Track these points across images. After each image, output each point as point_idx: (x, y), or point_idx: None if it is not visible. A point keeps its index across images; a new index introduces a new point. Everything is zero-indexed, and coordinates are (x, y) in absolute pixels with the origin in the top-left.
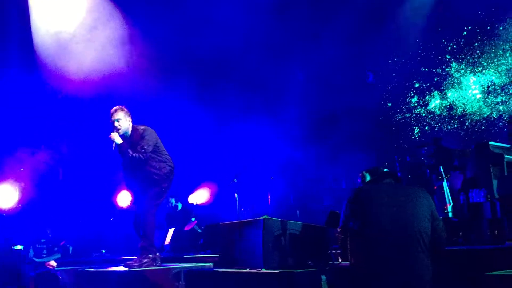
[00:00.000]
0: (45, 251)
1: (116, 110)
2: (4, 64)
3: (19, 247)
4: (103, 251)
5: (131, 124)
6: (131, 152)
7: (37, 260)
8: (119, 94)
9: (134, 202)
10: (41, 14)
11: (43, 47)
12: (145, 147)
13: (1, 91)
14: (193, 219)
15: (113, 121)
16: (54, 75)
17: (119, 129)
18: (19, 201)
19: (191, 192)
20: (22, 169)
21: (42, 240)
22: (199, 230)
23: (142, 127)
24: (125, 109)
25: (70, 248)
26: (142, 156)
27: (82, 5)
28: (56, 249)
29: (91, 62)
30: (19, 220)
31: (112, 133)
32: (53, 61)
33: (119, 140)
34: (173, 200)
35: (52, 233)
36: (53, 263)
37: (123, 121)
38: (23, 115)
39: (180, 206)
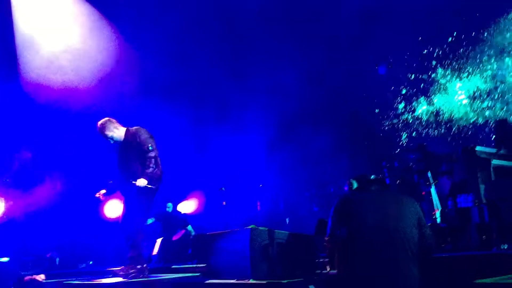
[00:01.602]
0: (30, 264)
1: (101, 131)
2: None
3: (4, 259)
4: (91, 262)
5: (122, 129)
6: (149, 174)
7: (22, 273)
8: (109, 103)
9: (124, 209)
10: (27, 25)
11: (30, 59)
12: (150, 146)
13: None
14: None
15: (107, 139)
16: (41, 87)
17: (113, 142)
18: (5, 213)
19: (179, 201)
20: (7, 179)
21: (29, 253)
22: (188, 239)
23: (134, 128)
24: (105, 123)
25: (57, 260)
26: (151, 164)
27: (70, 16)
28: (42, 261)
29: (83, 73)
30: (4, 232)
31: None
32: (41, 73)
33: (143, 183)
34: (170, 205)
35: (39, 244)
36: (40, 276)
37: (114, 132)
38: (9, 124)
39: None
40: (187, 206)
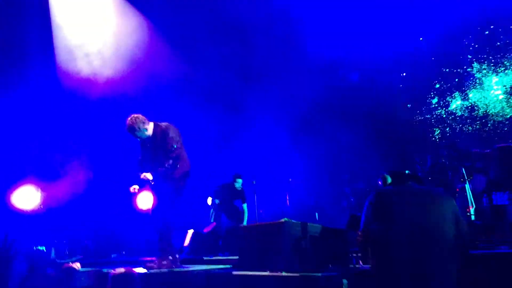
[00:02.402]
0: (67, 252)
1: (130, 130)
2: (26, 67)
3: (41, 247)
4: (124, 252)
5: (150, 126)
6: (166, 164)
7: (59, 261)
8: (140, 96)
9: (154, 202)
10: (64, 23)
11: (66, 55)
12: (171, 145)
13: (21, 94)
14: (212, 219)
15: (137, 138)
16: (75, 79)
17: (142, 138)
18: (41, 203)
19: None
20: (46, 170)
21: (65, 241)
22: (218, 232)
23: (164, 124)
24: (134, 122)
25: (91, 249)
26: (172, 160)
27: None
28: (77, 249)
29: (116, 68)
30: (41, 221)
31: (142, 175)
32: (76, 67)
33: (150, 177)
34: (240, 181)
35: (74, 233)
36: (76, 265)
37: (142, 133)
38: (45, 119)
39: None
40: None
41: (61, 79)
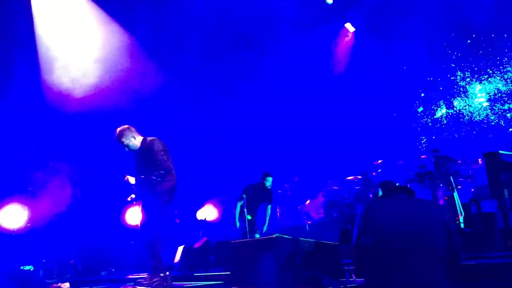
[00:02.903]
0: (55, 271)
1: (119, 137)
2: (11, 82)
3: (28, 267)
4: (113, 269)
5: (138, 138)
6: (154, 177)
7: (48, 281)
8: (128, 108)
9: (142, 217)
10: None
11: (49, 69)
12: (159, 158)
13: (8, 109)
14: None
15: (123, 146)
16: (59, 94)
17: (128, 150)
18: (28, 221)
19: (198, 208)
20: (30, 188)
21: (54, 261)
22: (209, 247)
23: (150, 139)
24: (124, 131)
25: (79, 267)
26: (159, 173)
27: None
28: (67, 268)
29: (98, 78)
30: (28, 240)
31: (126, 177)
32: (59, 82)
33: (133, 181)
34: (270, 179)
35: (62, 251)
36: (65, 285)
37: (130, 142)
38: (30, 134)
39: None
40: (207, 213)
41: (45, 95)
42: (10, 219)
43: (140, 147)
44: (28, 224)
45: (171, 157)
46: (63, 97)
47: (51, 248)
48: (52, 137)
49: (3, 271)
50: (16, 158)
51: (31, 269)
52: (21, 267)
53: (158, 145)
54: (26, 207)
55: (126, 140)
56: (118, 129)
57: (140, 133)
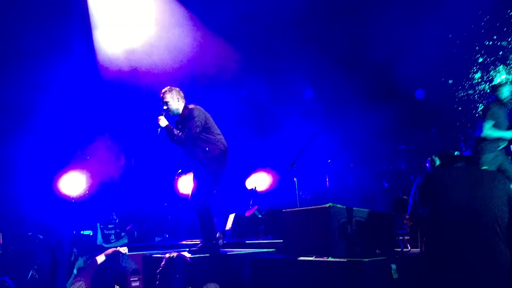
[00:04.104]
0: (113, 237)
1: (164, 93)
2: (67, 53)
3: (87, 232)
4: (167, 235)
5: (181, 104)
6: (176, 132)
7: (106, 245)
8: (185, 80)
9: (193, 185)
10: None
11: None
12: (191, 126)
13: (69, 83)
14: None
15: (162, 104)
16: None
17: (168, 111)
18: (87, 188)
19: (247, 176)
20: (88, 157)
21: (110, 226)
22: (260, 216)
23: (191, 106)
24: (173, 89)
25: (135, 233)
26: (185, 137)
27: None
28: (123, 234)
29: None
30: (87, 207)
31: (159, 117)
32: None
33: (163, 123)
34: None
35: (119, 217)
36: (124, 249)
37: (172, 102)
38: (86, 106)
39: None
40: (256, 182)
41: (102, 69)
42: (70, 186)
43: (181, 114)
44: (87, 191)
45: (218, 125)
46: (118, 70)
47: (108, 214)
48: (107, 109)
49: (65, 236)
50: (74, 128)
51: (90, 234)
52: (81, 232)
53: (198, 113)
54: (85, 175)
55: (170, 99)
56: (169, 86)
57: (187, 102)
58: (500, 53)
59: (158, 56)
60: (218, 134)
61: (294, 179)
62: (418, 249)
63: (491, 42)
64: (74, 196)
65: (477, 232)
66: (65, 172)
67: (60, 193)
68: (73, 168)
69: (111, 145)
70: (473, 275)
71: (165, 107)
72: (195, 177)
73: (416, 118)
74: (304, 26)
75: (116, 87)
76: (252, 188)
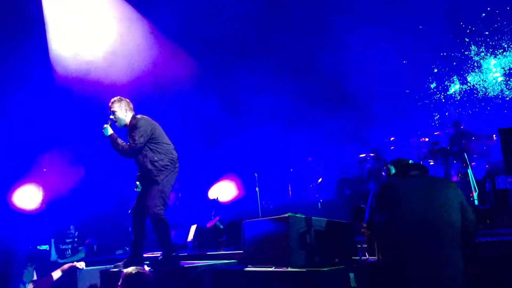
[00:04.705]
0: (69, 251)
1: (112, 102)
2: (26, 69)
3: (44, 247)
4: (127, 248)
5: (129, 116)
6: (120, 142)
7: (61, 261)
8: (142, 89)
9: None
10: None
11: (63, 55)
12: (135, 138)
13: (23, 95)
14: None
15: (109, 113)
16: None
17: (115, 121)
18: (43, 202)
19: (209, 186)
20: (44, 169)
21: (68, 240)
22: (221, 226)
23: (138, 116)
24: (122, 100)
25: (94, 247)
26: (129, 147)
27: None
28: (80, 248)
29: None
30: (44, 220)
31: (104, 125)
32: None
33: (108, 132)
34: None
35: (77, 231)
36: (80, 264)
37: (119, 112)
38: (43, 118)
39: None
40: (223, 192)
41: (56, 79)
42: (25, 199)
43: (128, 124)
44: (43, 204)
45: (176, 135)
46: (73, 79)
47: (66, 228)
48: (61, 120)
49: (20, 251)
50: (30, 139)
51: (47, 249)
52: (38, 247)
53: (141, 121)
54: (41, 187)
55: (118, 109)
56: (118, 97)
57: (136, 113)
58: (454, 63)
59: (115, 65)
60: (167, 144)
61: (256, 189)
62: (375, 258)
63: (445, 54)
64: (30, 210)
65: (431, 240)
66: (20, 185)
67: (15, 206)
68: (29, 181)
69: (69, 156)
70: (429, 283)
71: (111, 116)
72: (147, 190)
73: (375, 126)
74: (260, 37)
75: (72, 96)
76: (215, 198)
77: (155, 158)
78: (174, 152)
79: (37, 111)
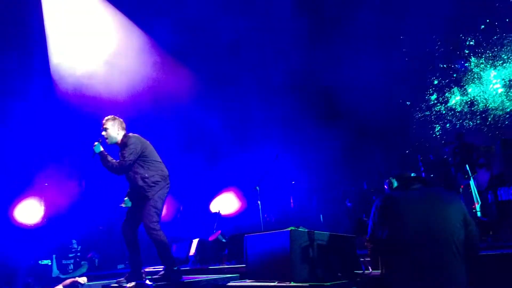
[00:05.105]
0: (71, 266)
1: (106, 120)
2: (26, 82)
3: (45, 261)
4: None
5: (121, 134)
6: (110, 159)
7: (63, 276)
8: (142, 104)
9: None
10: (59, 33)
11: (63, 68)
12: (125, 155)
13: (23, 110)
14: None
15: (101, 130)
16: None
17: (106, 138)
18: (44, 216)
19: (211, 200)
20: (46, 184)
21: (71, 255)
22: (223, 240)
23: (130, 135)
24: (116, 119)
25: (96, 261)
26: (118, 164)
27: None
28: (83, 263)
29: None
30: (45, 235)
31: (95, 142)
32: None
33: (97, 150)
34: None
35: (79, 245)
36: (82, 279)
37: (111, 130)
38: (44, 133)
39: None
40: (225, 205)
41: (57, 92)
42: (27, 214)
43: (120, 142)
44: (45, 219)
45: (157, 151)
46: (77, 97)
47: (68, 242)
48: (62, 134)
49: (21, 266)
50: (31, 154)
51: (49, 264)
52: (39, 262)
53: (135, 141)
54: (42, 202)
55: (110, 127)
56: (112, 115)
57: (128, 131)
58: (454, 75)
59: (114, 80)
60: (158, 161)
61: (258, 202)
62: (379, 271)
63: (445, 65)
64: (31, 224)
65: (435, 253)
66: (22, 199)
67: (17, 221)
68: (30, 195)
69: (70, 170)
70: None
71: (103, 133)
72: (139, 206)
73: (375, 139)
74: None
75: (72, 110)
76: (216, 212)
77: (146, 175)
78: (165, 169)
79: (38, 124)
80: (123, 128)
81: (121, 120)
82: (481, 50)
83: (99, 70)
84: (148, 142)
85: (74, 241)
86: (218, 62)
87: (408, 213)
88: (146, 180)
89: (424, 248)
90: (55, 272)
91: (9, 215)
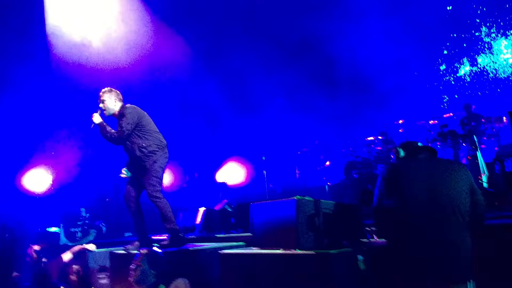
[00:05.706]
0: (79, 234)
1: (103, 92)
2: (31, 56)
3: (54, 229)
4: None
5: (118, 106)
6: (108, 129)
7: (70, 243)
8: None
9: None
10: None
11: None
12: (123, 125)
13: (29, 83)
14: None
15: (99, 102)
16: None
17: (104, 110)
18: (52, 185)
19: (218, 169)
20: (53, 152)
21: (79, 223)
22: (230, 209)
23: (127, 105)
24: (113, 91)
25: (104, 229)
26: (117, 134)
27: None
28: (91, 230)
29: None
30: (54, 203)
31: (94, 113)
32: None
33: (97, 120)
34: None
35: (88, 212)
36: (91, 246)
37: (108, 102)
38: (51, 103)
39: None
40: (231, 175)
41: (57, 66)
42: (35, 182)
43: (117, 114)
44: (53, 187)
45: (155, 121)
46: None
47: (76, 210)
48: (65, 106)
49: (30, 233)
50: (38, 123)
51: (57, 231)
52: (47, 229)
53: (131, 112)
54: (50, 171)
55: (107, 99)
56: (109, 87)
57: (125, 103)
58: (464, 45)
59: (114, 50)
60: (155, 131)
61: (264, 172)
62: (384, 240)
63: (455, 35)
64: (40, 192)
65: (441, 222)
66: (29, 168)
67: (25, 189)
68: (38, 164)
69: (77, 138)
70: (439, 265)
71: (101, 105)
72: (140, 175)
73: (382, 108)
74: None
75: (72, 80)
76: (223, 182)
77: (143, 144)
78: (163, 139)
79: (42, 92)
80: (120, 100)
81: (118, 92)
82: (492, 19)
83: (98, 38)
84: (145, 112)
85: (82, 209)
86: (217, 29)
87: (414, 182)
88: (143, 150)
89: (429, 217)
90: (63, 240)
91: (17, 184)
